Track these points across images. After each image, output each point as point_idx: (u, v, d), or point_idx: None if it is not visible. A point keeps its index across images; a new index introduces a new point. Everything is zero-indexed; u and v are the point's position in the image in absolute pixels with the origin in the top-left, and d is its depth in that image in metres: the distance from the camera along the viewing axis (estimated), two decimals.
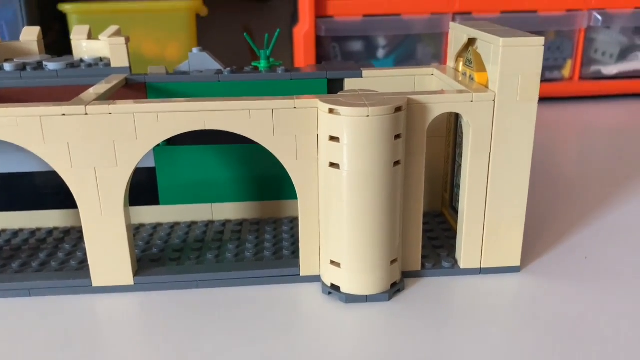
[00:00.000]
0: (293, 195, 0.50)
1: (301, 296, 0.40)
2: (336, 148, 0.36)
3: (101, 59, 0.48)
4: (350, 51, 0.88)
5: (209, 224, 0.50)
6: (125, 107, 0.36)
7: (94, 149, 0.37)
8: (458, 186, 0.47)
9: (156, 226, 0.49)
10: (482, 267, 0.42)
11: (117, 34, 0.49)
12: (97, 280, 0.40)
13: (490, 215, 0.41)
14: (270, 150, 0.38)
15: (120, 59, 0.46)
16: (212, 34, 0.94)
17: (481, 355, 0.34)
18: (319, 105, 0.37)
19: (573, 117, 0.85)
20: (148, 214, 0.50)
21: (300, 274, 0.41)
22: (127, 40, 0.46)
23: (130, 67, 0.47)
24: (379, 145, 0.36)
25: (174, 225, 0.49)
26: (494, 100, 0.38)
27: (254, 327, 0.37)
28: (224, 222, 0.50)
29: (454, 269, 0.42)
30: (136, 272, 0.41)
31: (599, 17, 0.88)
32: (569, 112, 0.88)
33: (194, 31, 0.80)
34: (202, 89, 0.47)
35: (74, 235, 0.47)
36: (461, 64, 0.46)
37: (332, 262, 0.39)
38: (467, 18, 0.86)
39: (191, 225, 0.50)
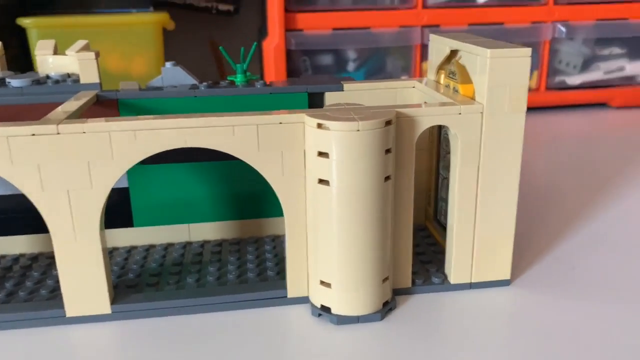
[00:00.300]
0: (274, 213, 0.49)
1: (290, 319, 0.39)
2: (325, 164, 0.35)
3: (69, 75, 0.46)
4: (321, 65, 0.87)
5: (186, 245, 0.48)
6: (100, 126, 0.34)
7: (66, 170, 0.35)
8: (443, 199, 0.47)
9: (130, 249, 0.47)
10: (472, 281, 0.41)
11: (86, 48, 0.46)
12: (71, 310, 0.37)
13: (480, 229, 0.40)
14: (255, 168, 0.37)
15: (89, 75, 0.44)
16: (178, 48, 0.92)
17: None
18: (305, 120, 0.36)
19: (541, 126, 0.86)
20: (122, 237, 0.47)
21: (288, 296, 0.40)
22: (97, 55, 0.44)
23: (100, 83, 0.44)
24: (370, 160, 0.34)
25: (149, 248, 0.47)
26: (482, 112, 0.38)
27: (241, 355, 0.35)
28: (202, 243, 0.48)
29: (444, 284, 0.41)
30: (113, 300, 0.38)
31: (563, 29, 0.90)
32: (537, 122, 0.89)
33: (160, 45, 0.78)
34: (177, 104, 0.45)
35: (43, 262, 0.44)
36: (443, 76, 0.45)
37: (322, 283, 0.38)
38: (434, 31, 0.86)
39: (168, 247, 0.47)
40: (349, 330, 0.37)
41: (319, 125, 0.35)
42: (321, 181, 0.36)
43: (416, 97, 0.47)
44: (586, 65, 0.94)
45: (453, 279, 0.41)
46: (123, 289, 0.41)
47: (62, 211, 0.35)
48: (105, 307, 0.38)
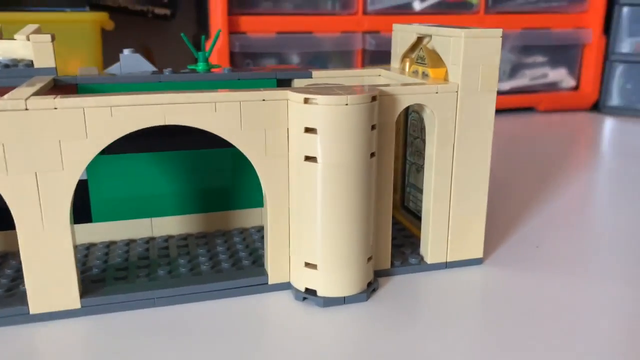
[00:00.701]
0: (241, 205, 0.47)
1: (273, 305, 0.37)
2: (312, 140, 0.34)
3: (18, 60, 0.43)
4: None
5: (149, 240, 0.45)
6: (74, 101, 0.32)
7: (35, 150, 0.32)
8: (412, 185, 0.47)
9: (89, 247, 0.44)
10: (447, 261, 0.42)
11: (37, 32, 0.43)
12: (36, 306, 0.34)
13: (455, 208, 0.41)
14: (238, 147, 0.35)
15: (45, 59, 0.41)
16: (111, 52, 0.88)
17: (466, 348, 0.33)
18: (290, 97, 0.35)
19: None
20: (79, 233, 0.44)
21: (269, 282, 0.38)
22: (53, 38, 0.42)
23: (56, 68, 0.42)
24: (358, 135, 0.34)
25: (109, 245, 0.44)
26: (457, 92, 0.39)
27: (226, 345, 0.33)
28: (167, 238, 0.45)
29: (421, 264, 0.42)
30: (82, 294, 0.36)
31: None
32: None
33: (99, 46, 0.74)
34: (141, 90, 0.42)
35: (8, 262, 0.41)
36: (408, 63, 0.46)
37: (307, 265, 0.37)
38: (375, 37, 0.88)
39: (129, 243, 0.45)
40: (335, 312, 0.37)
41: (306, 100, 0.34)
42: (307, 158, 0.35)
43: (383, 84, 0.47)
44: (514, 72, 0.99)
45: (430, 258, 0.42)
46: (89, 284, 0.38)
47: (28, 197, 0.33)
48: (74, 302, 0.35)
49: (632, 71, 1.01)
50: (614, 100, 1.03)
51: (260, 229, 0.47)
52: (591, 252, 0.45)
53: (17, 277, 0.38)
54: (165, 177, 0.45)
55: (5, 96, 0.32)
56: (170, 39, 1.01)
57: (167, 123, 0.34)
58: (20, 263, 0.41)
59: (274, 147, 0.36)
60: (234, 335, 0.34)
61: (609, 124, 0.97)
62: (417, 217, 0.47)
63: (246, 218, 0.48)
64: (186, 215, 0.46)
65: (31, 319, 0.34)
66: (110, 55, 0.85)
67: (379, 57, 0.91)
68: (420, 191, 0.46)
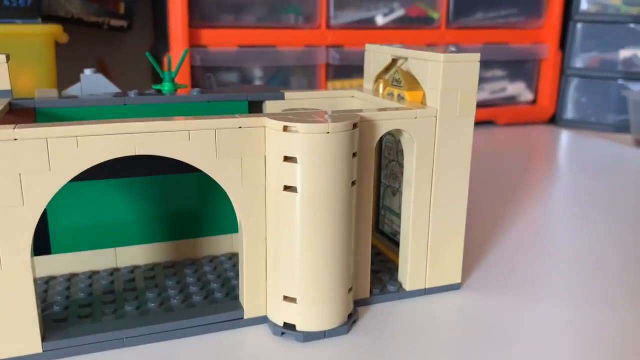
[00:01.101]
0: (210, 232, 0.45)
1: (250, 341, 0.36)
2: (291, 169, 0.33)
3: None
4: (225, 81, 0.84)
5: (113, 272, 0.43)
6: (36, 131, 0.30)
7: None
8: (386, 208, 0.46)
9: (48, 280, 0.41)
10: (426, 287, 0.41)
11: None
12: None
13: (433, 233, 0.40)
14: (213, 177, 0.34)
15: None
16: (64, 65, 0.85)
17: None
18: (268, 124, 0.34)
19: None
20: (37, 266, 0.41)
21: (245, 317, 0.37)
22: (8, 58, 0.39)
23: (11, 91, 0.39)
24: (339, 164, 0.33)
25: (70, 277, 0.41)
26: (435, 116, 0.38)
27: None
28: (132, 269, 0.43)
29: (400, 292, 0.41)
30: (44, 336, 0.33)
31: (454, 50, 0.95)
32: None
33: (52, 60, 0.71)
34: (105, 114, 0.40)
35: None
36: (381, 85, 0.45)
37: (286, 298, 0.35)
38: (339, 51, 0.87)
39: (92, 275, 0.42)
40: (315, 346, 0.35)
41: (285, 128, 0.33)
42: (286, 188, 0.33)
43: (356, 105, 0.46)
44: None
45: (409, 285, 0.41)
46: (51, 324, 0.35)
47: None
48: (35, 346, 0.32)
49: (586, 85, 1.04)
50: (570, 113, 1.06)
51: (231, 257, 0.45)
52: (563, 274, 0.46)
53: None
54: (129, 204, 0.43)
55: None
56: (126, 52, 0.98)
57: (138, 153, 0.32)
58: None
59: (251, 176, 0.34)
60: None
61: (565, 137, 0.99)
62: (392, 240, 0.46)
63: (215, 245, 0.46)
64: (152, 244, 0.44)
65: None
66: (63, 70, 0.81)
67: (343, 71, 0.90)
68: (396, 214, 0.45)
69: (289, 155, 0.33)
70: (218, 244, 0.46)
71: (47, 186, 0.30)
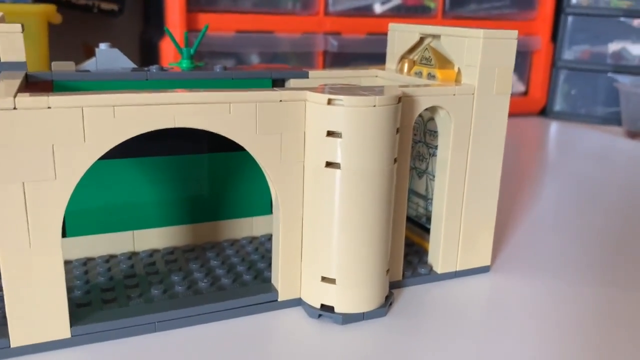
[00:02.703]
0: (230, 214, 0.44)
1: (285, 324, 0.34)
2: (334, 144, 0.32)
3: None
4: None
5: (132, 256, 0.41)
6: (71, 99, 0.28)
7: (23, 156, 0.27)
8: (411, 191, 0.45)
9: (64, 264, 0.39)
10: (457, 270, 0.40)
11: (2, 20, 0.38)
12: (18, 338, 0.29)
13: (467, 216, 0.39)
14: (251, 152, 0.32)
15: (14, 52, 0.36)
16: (55, 47, 0.81)
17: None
18: (310, 97, 0.32)
19: None
20: None
21: (279, 299, 0.35)
22: (23, 28, 0.36)
23: (26, 63, 0.36)
24: (384, 140, 0.32)
25: (86, 262, 0.39)
26: (473, 94, 0.37)
27: None
28: (151, 252, 0.41)
29: (431, 274, 0.40)
30: (71, 321, 0.31)
31: None
32: None
33: (45, 40, 0.68)
34: (126, 88, 0.38)
35: None
36: (406, 64, 0.44)
37: (324, 279, 0.34)
38: (337, 38, 0.86)
39: (109, 259, 0.40)
40: (354, 329, 0.34)
41: (330, 101, 0.31)
42: (328, 164, 0.32)
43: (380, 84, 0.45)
44: None
45: (440, 268, 0.40)
46: (75, 309, 0.33)
47: (14, 209, 0.28)
48: (64, 331, 0.30)
49: (576, 78, 1.05)
50: (560, 105, 1.07)
51: (252, 240, 0.44)
52: (583, 253, 0.45)
53: None
54: (147, 185, 0.41)
55: None
56: (114, 36, 0.95)
57: (177, 125, 0.30)
58: None
59: (290, 153, 0.33)
60: (245, 359, 0.31)
61: (556, 128, 1.00)
62: (416, 223, 0.45)
63: (236, 229, 0.44)
64: (171, 227, 0.42)
65: (12, 353, 0.29)
66: (53, 52, 0.78)
67: (341, 58, 0.89)
68: (422, 197, 0.44)
69: (332, 130, 0.32)
70: (238, 227, 0.44)
71: (81, 159, 0.28)
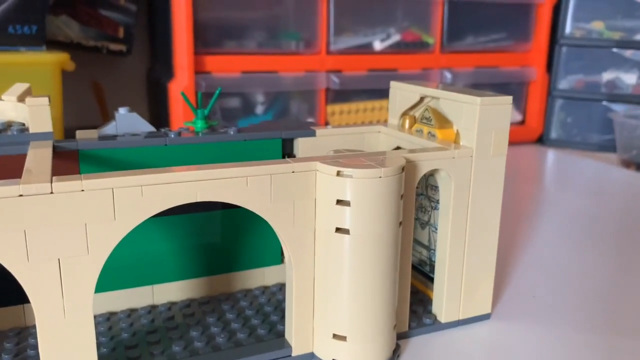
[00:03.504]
0: (243, 266, 0.46)
1: None
2: (344, 212, 0.34)
3: (7, 124, 0.40)
4: (229, 107, 0.85)
5: (151, 309, 0.43)
6: (103, 182, 0.30)
7: (59, 235, 0.30)
8: (414, 240, 0.48)
9: None
10: (460, 318, 0.43)
11: (28, 93, 0.41)
12: None
13: (468, 267, 0.42)
14: (267, 219, 0.35)
15: (42, 123, 0.39)
16: (66, 88, 0.84)
17: None
18: (320, 168, 0.35)
19: None
20: None
21: (293, 354, 0.37)
22: (50, 100, 0.39)
23: (53, 132, 0.39)
24: (390, 206, 0.34)
25: (109, 317, 0.42)
26: (472, 156, 0.40)
27: None
28: (169, 305, 0.43)
29: (435, 324, 0.42)
30: None
31: (448, 75, 0.98)
32: None
33: (59, 89, 0.70)
34: (147, 154, 0.41)
35: (1, 344, 0.37)
36: (408, 121, 0.47)
37: (335, 336, 0.36)
38: (339, 76, 0.89)
39: (130, 314, 0.42)
40: None
41: (339, 173, 0.34)
42: (338, 229, 0.35)
43: (382, 141, 0.48)
44: None
45: (444, 318, 0.42)
46: None
47: (49, 284, 0.30)
48: None
49: (571, 106, 1.08)
50: (556, 133, 1.09)
51: (264, 290, 0.46)
52: (581, 298, 0.47)
53: None
54: (165, 242, 0.43)
55: (25, 178, 0.29)
56: (121, 75, 0.98)
57: (199, 199, 0.32)
58: (15, 346, 0.37)
59: (302, 218, 0.35)
60: None
61: (552, 156, 1.02)
62: (419, 271, 0.47)
63: (249, 279, 0.46)
64: (187, 280, 0.44)
65: None
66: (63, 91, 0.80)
67: (343, 95, 0.91)
68: (424, 246, 0.46)
69: (341, 198, 0.34)
70: (251, 278, 0.46)
71: (111, 235, 0.31)
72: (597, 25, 1.05)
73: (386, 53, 0.92)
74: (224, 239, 0.45)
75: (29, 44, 0.71)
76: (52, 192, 0.29)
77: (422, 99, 0.45)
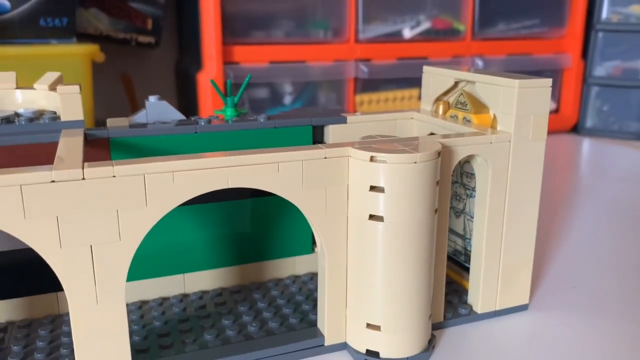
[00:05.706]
0: (273, 255, 0.46)
1: None
2: (377, 198, 0.33)
3: (40, 112, 0.40)
4: (257, 97, 0.84)
5: (183, 298, 0.43)
6: (134, 168, 0.30)
7: (91, 221, 0.29)
8: (450, 230, 0.46)
9: None
10: (496, 309, 0.41)
11: (59, 81, 0.41)
12: None
13: (505, 257, 0.40)
14: (298, 206, 0.34)
15: (73, 111, 0.38)
16: (95, 79, 0.85)
17: None
18: (353, 154, 0.34)
19: None
20: None
21: (325, 344, 0.37)
22: (81, 88, 0.39)
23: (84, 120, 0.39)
24: (425, 193, 0.33)
25: (141, 305, 0.42)
26: (509, 141, 0.38)
27: None
28: (201, 294, 0.43)
29: (471, 315, 0.41)
30: None
31: (480, 62, 0.96)
32: None
33: (89, 80, 0.71)
34: (177, 142, 0.40)
35: (35, 331, 0.37)
36: (441, 106, 0.45)
37: (369, 325, 0.35)
38: (368, 65, 0.88)
39: (162, 302, 0.42)
40: None
41: (372, 159, 0.33)
42: (371, 217, 0.34)
43: (416, 127, 0.46)
44: None
45: (480, 308, 0.41)
46: (135, 355, 0.35)
47: (82, 270, 0.30)
48: None
49: (608, 94, 1.05)
50: (592, 122, 1.06)
51: (295, 279, 0.45)
52: (623, 286, 0.46)
53: (51, 351, 0.36)
54: (196, 231, 0.43)
55: (57, 164, 0.29)
56: (150, 66, 0.98)
57: (230, 186, 0.32)
58: (49, 333, 0.38)
59: (334, 205, 0.34)
60: None
61: (588, 145, 1.00)
62: (453, 260, 0.46)
63: (279, 268, 0.46)
64: (218, 269, 0.44)
65: None
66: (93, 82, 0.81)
67: (372, 84, 0.90)
68: (459, 235, 0.45)
69: (375, 184, 0.33)
70: (282, 267, 0.46)
71: (143, 221, 0.31)
72: (636, 9, 1.01)
73: (416, 41, 0.91)
74: (255, 228, 0.45)
75: (59, 36, 0.71)
76: (83, 178, 0.29)
77: (456, 83, 0.44)
